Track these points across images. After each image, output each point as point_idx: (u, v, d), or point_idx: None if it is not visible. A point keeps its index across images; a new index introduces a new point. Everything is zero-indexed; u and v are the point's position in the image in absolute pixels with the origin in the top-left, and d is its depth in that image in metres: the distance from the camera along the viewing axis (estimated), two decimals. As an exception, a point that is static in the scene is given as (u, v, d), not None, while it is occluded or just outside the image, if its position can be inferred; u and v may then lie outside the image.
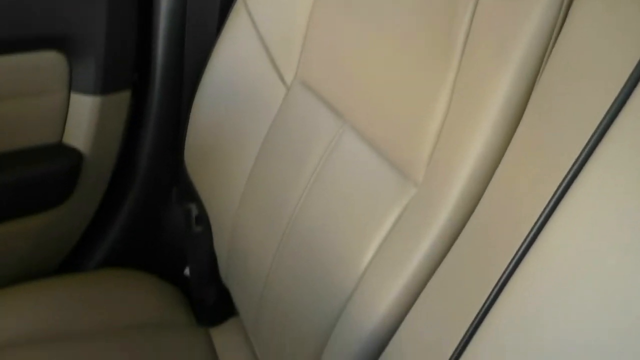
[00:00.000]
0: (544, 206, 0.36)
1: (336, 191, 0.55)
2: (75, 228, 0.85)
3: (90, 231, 0.87)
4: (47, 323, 0.73)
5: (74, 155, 0.79)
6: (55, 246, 0.85)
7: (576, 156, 0.35)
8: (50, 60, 0.74)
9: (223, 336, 0.78)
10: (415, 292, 0.44)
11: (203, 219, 0.82)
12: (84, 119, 0.77)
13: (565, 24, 0.39)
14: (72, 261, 0.87)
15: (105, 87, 0.76)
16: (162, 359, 0.72)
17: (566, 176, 0.35)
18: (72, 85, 0.77)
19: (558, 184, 0.36)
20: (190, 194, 0.83)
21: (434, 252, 0.43)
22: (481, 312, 0.37)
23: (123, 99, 0.79)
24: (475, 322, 0.37)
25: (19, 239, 0.81)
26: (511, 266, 0.37)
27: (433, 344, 0.41)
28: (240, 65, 0.73)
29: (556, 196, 0.36)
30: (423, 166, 0.46)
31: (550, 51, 0.40)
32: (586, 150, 0.35)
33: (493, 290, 0.37)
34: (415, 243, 0.44)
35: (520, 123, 0.42)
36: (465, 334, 0.38)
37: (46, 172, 0.77)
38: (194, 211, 0.83)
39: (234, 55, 0.74)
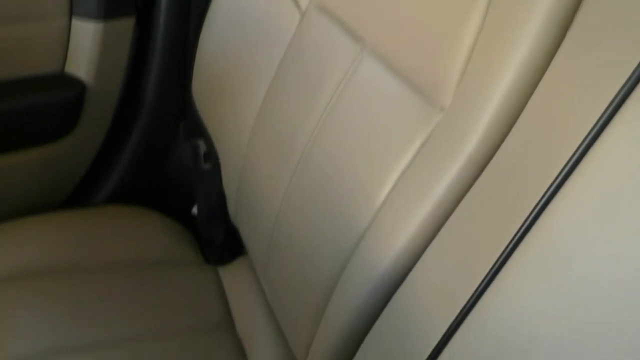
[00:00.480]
0: (582, 137, 0.32)
1: (353, 121, 0.51)
2: (80, 162, 0.82)
3: (95, 166, 0.84)
4: (53, 256, 0.71)
5: (77, 85, 0.75)
6: (60, 180, 0.83)
7: (618, 87, 0.32)
8: (49, -19, 0.70)
9: (231, 275, 0.77)
10: (433, 230, 0.41)
11: (211, 155, 0.79)
12: (87, 47, 0.73)
13: None
14: (77, 196, 0.85)
15: (108, 11, 0.71)
16: (170, 295, 0.70)
17: (607, 108, 0.32)
18: (74, 10, 0.72)
19: (598, 115, 0.32)
20: (198, 129, 0.79)
21: (457, 185, 0.40)
22: (506, 251, 0.34)
23: (127, 25, 0.75)
24: (498, 263, 0.34)
25: (23, 172, 0.79)
26: (542, 201, 0.33)
27: (449, 286, 0.38)
28: (251, -10, 0.68)
29: (596, 127, 0.32)
30: (451, 90, 0.42)
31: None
32: (630, 80, 0.31)
33: (521, 227, 0.34)
34: (438, 174, 0.41)
35: (559, 49, 0.38)
36: (485, 276, 0.35)
37: (48, 102, 0.74)
38: (202, 147, 0.80)
39: (245, -21, 0.69)
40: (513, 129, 0.38)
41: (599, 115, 0.32)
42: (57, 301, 0.66)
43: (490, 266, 0.34)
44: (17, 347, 0.61)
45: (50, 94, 0.74)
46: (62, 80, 0.75)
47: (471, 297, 0.34)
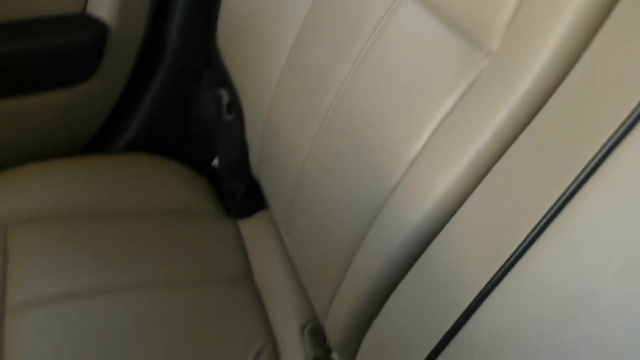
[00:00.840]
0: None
1: (389, 68, 0.48)
2: (100, 108, 0.81)
3: (116, 113, 0.82)
4: (72, 200, 0.71)
5: (99, 27, 0.72)
6: (80, 126, 0.81)
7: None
8: None
9: (252, 229, 0.75)
10: (473, 183, 0.39)
11: (235, 106, 0.77)
12: (109, -13, 0.71)
13: None
14: (97, 143, 0.84)
15: (131, -50, 0.68)
16: (189, 245, 0.69)
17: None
18: (96, -52, 0.69)
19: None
20: (222, 78, 0.77)
21: (504, 133, 0.37)
22: (557, 205, 0.31)
23: (151, -34, 0.72)
24: (548, 216, 0.32)
25: (43, 115, 0.77)
26: (601, 153, 0.30)
27: (491, 240, 0.36)
28: None
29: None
30: (500, 33, 0.38)
31: None
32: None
33: (576, 180, 0.31)
34: (483, 122, 0.38)
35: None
36: (533, 230, 0.32)
37: (69, 44, 0.71)
38: (226, 97, 0.78)
39: None
40: (569, 76, 0.35)
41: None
42: (76, 245, 0.65)
43: (540, 219, 0.31)
44: (36, 289, 0.60)
45: (71, 35, 0.72)
46: (84, 22, 0.73)
47: (516, 251, 0.32)
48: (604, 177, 0.30)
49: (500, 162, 0.37)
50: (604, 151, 0.30)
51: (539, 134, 0.35)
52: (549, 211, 0.32)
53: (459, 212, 0.38)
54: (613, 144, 0.30)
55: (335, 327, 0.53)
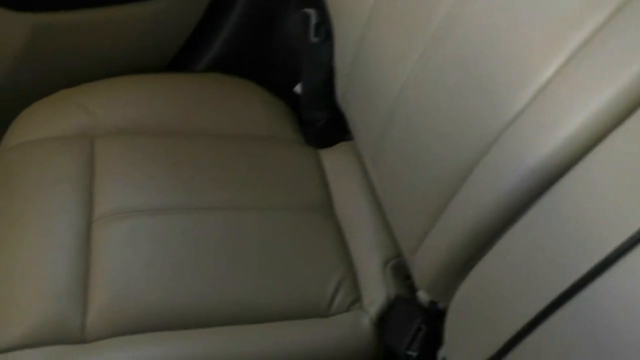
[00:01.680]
0: None
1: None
2: (184, 23, 0.78)
3: (199, 31, 0.80)
4: (154, 116, 0.70)
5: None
6: (164, 41, 0.79)
7: None
8: None
9: (333, 159, 0.73)
10: (621, 113, 0.34)
11: (324, 27, 0.72)
12: None
13: None
14: (180, 61, 0.82)
15: None
16: (269, 170, 0.68)
17: None
18: None
19: None
20: (311, -4, 0.72)
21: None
22: None
23: None
24: None
25: (128, 28, 0.76)
26: None
27: (635, 189, 0.31)
28: None
29: None
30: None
31: None
32: None
33: None
34: (629, 56, 0.33)
35: None
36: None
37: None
38: (314, 18, 0.73)
39: None
40: None
41: None
42: (159, 161, 0.65)
43: None
44: (121, 202, 0.61)
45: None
46: None
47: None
48: None
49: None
50: None
51: None
52: None
53: (602, 144, 0.33)
54: None
55: (424, 266, 0.50)
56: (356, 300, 0.58)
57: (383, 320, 0.56)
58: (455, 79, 0.47)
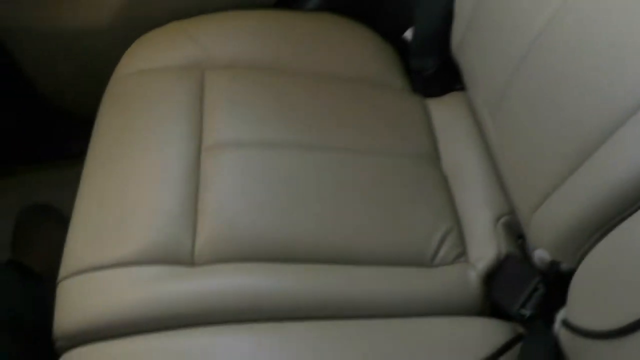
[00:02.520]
0: None
1: None
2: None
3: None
4: (263, 52, 0.69)
5: None
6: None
7: None
8: None
9: (441, 109, 0.70)
10: None
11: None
12: None
13: None
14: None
15: None
16: (375, 115, 0.66)
17: None
18: None
19: None
20: None
21: None
22: None
23: None
24: None
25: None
26: None
27: None
28: None
29: None
30: None
31: None
32: None
33: None
34: None
35: None
36: None
37: None
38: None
39: None
40: None
41: None
42: (266, 97, 0.64)
43: None
44: (226, 132, 0.61)
45: None
46: None
47: None
48: None
49: None
50: None
51: None
52: None
53: None
54: None
55: (547, 226, 0.47)
56: (461, 254, 0.56)
57: (491, 277, 0.53)
58: (596, 37, 0.43)
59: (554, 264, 0.47)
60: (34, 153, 0.89)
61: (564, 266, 0.46)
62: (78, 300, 0.51)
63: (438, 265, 0.55)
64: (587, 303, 0.41)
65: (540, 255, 0.48)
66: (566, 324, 0.43)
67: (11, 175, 0.85)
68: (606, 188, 0.41)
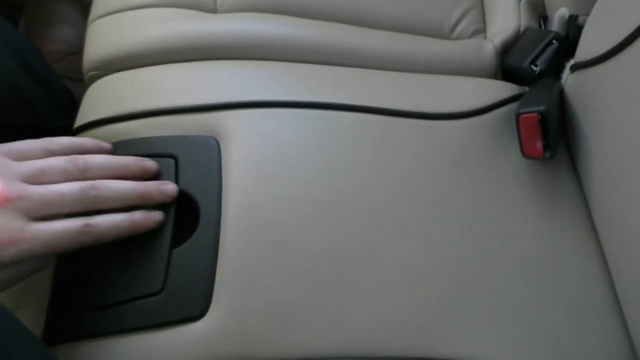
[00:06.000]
0: None
1: None
2: None
3: None
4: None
5: None
6: None
7: None
8: None
9: None
10: None
11: None
12: None
13: None
14: None
15: None
16: None
17: None
18: None
19: None
20: None
21: None
22: None
23: None
24: None
25: None
26: None
27: None
28: None
29: None
30: None
31: None
32: None
33: None
34: None
35: None
36: None
37: None
38: None
39: None
40: None
41: None
42: None
43: None
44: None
45: None
46: None
47: None
48: None
49: None
50: None
51: None
52: None
53: None
54: None
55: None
56: (480, 31, 0.56)
57: (507, 50, 0.53)
58: None
59: (572, 18, 0.46)
60: None
61: (582, 19, 0.46)
62: (106, 35, 0.53)
63: (456, 39, 0.55)
64: (596, 32, 0.41)
65: (561, 14, 0.48)
66: (574, 66, 0.43)
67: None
68: None
